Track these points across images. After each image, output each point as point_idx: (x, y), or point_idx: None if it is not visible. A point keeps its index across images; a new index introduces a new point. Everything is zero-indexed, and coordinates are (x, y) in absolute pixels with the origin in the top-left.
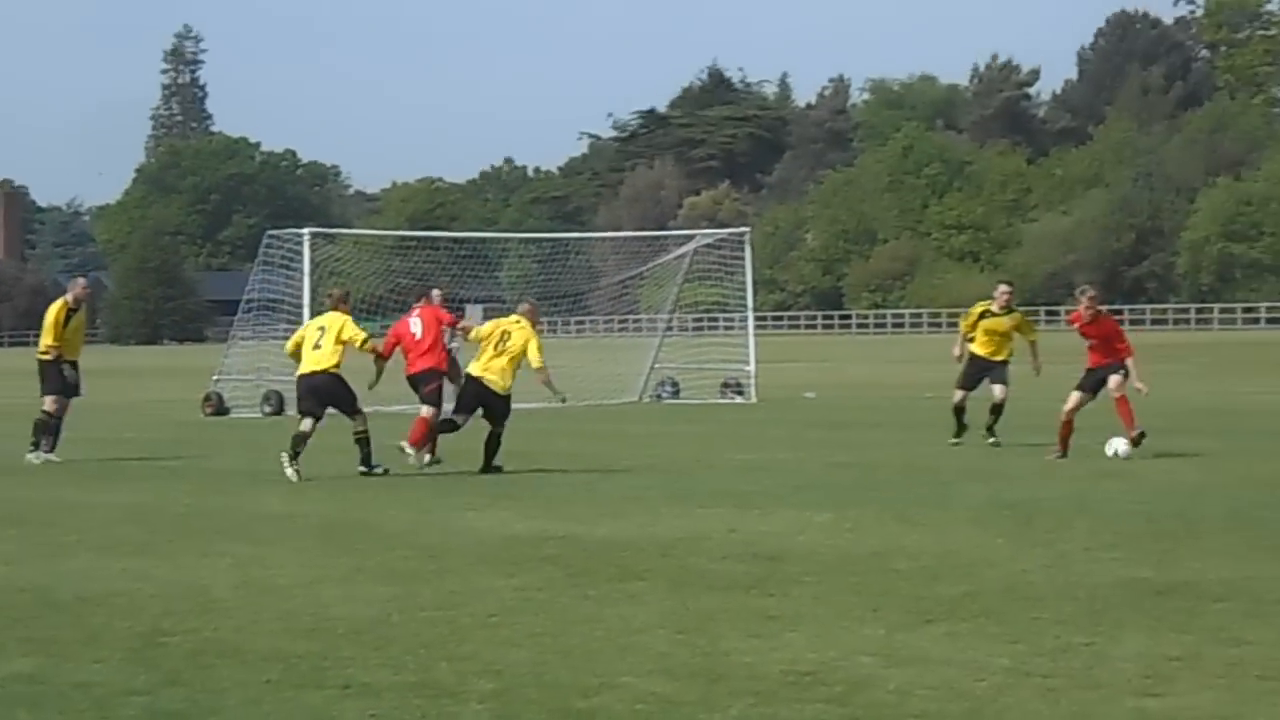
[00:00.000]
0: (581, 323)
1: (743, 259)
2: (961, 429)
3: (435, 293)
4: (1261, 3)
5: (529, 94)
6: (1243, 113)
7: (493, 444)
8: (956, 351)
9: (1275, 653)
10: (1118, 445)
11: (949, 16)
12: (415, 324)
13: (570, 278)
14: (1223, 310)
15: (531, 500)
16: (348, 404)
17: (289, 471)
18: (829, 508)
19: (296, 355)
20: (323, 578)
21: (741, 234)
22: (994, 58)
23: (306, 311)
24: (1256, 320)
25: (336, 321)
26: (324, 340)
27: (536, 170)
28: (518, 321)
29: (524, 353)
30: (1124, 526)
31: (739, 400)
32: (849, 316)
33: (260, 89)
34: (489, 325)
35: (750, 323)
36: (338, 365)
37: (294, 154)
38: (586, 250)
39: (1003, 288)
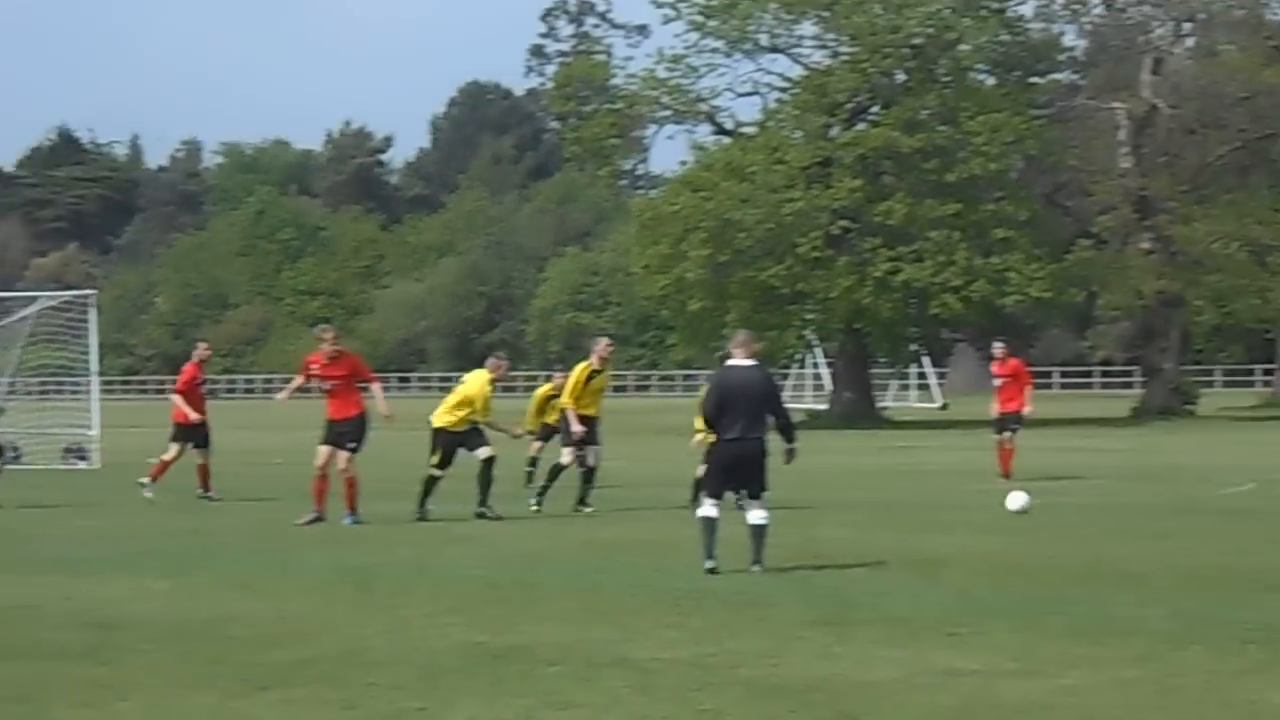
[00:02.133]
0: None
1: (88, 322)
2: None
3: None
4: (609, 76)
5: None
6: (590, 184)
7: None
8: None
9: (603, 715)
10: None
11: (302, 84)
12: None
13: None
14: None
15: None
16: None
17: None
18: (168, 575)
19: None
20: None
21: (87, 296)
22: (347, 124)
23: None
24: (623, 389)
25: None
26: None
27: None
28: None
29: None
30: (464, 591)
31: (82, 465)
32: None
33: None
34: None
35: (95, 387)
36: None
37: None
38: None
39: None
